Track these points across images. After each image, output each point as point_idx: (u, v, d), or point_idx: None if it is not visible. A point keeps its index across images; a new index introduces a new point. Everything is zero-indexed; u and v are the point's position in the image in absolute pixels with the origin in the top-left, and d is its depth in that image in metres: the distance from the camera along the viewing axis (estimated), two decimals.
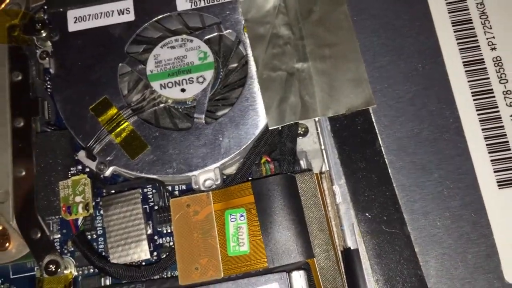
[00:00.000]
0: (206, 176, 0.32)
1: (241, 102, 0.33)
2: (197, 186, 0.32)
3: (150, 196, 0.33)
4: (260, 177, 0.32)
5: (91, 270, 0.31)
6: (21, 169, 0.32)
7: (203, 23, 0.36)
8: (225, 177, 0.33)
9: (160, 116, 0.34)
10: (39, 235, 0.31)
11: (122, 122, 0.33)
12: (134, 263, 0.31)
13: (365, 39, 0.34)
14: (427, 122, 0.32)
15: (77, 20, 0.36)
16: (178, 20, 0.36)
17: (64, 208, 0.32)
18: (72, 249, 0.32)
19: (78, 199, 0.32)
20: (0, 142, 0.33)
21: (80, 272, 0.31)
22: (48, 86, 0.36)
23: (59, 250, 0.31)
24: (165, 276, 0.31)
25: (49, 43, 0.36)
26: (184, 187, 0.33)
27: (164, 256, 0.31)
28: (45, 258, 0.31)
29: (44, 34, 0.35)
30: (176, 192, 0.33)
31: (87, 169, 0.33)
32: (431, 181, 0.31)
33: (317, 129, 0.33)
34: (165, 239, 0.32)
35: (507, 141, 0.31)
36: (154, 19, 0.36)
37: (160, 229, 0.32)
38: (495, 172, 0.31)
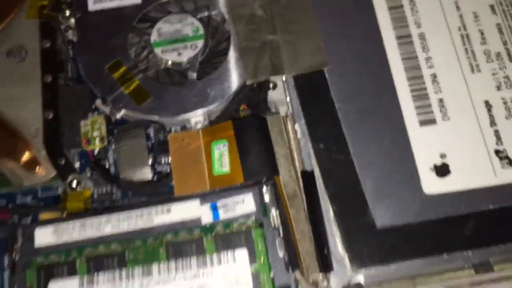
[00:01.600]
0: (197, 119, 0.42)
1: (225, 65, 0.43)
2: (189, 126, 0.42)
3: (152, 136, 0.42)
4: (238, 118, 0.42)
5: (104, 190, 0.40)
6: (49, 113, 0.41)
7: (196, 5, 0.46)
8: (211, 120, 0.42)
9: (161, 75, 0.44)
10: (64, 161, 0.40)
11: (131, 78, 0.43)
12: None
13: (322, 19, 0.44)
14: (369, 78, 0.42)
15: (96, 2, 0.46)
16: (175, 4, 0.47)
17: (84, 141, 0.41)
18: (89, 174, 0.41)
19: (95, 134, 0.41)
20: (34, 93, 0.42)
21: (95, 190, 0.40)
22: (71, 52, 0.45)
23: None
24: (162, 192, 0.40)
25: (71, 20, 0.46)
26: (179, 128, 0.43)
27: (163, 177, 0.40)
28: (69, 177, 0.40)
29: (68, 13, 0.45)
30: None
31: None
32: (370, 122, 0.41)
33: (283, 84, 0.43)
34: (163, 167, 0.41)
35: (427, 93, 0.41)
36: (156, 3, 0.46)
37: (159, 160, 0.41)
38: (417, 115, 0.41)
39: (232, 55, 0.44)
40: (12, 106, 0.41)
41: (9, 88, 0.42)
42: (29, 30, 0.44)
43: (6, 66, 0.43)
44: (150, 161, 0.40)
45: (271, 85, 0.43)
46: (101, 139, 0.41)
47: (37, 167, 0.40)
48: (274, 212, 0.38)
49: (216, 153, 0.40)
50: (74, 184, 0.39)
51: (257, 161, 0.39)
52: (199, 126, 0.41)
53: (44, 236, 0.38)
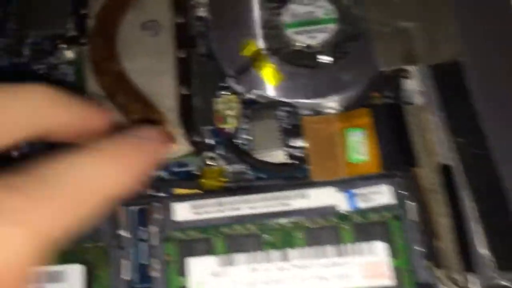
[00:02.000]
0: (330, 104, 0.41)
1: (358, 50, 0.43)
2: (322, 111, 0.41)
3: (282, 117, 0.42)
4: (378, 104, 0.41)
5: (237, 168, 0.41)
6: (183, 89, 0.42)
7: None
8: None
9: (292, 57, 0.44)
10: (199, 137, 0.40)
11: (263, 58, 0.43)
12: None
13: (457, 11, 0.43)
14: (508, 69, 0.41)
15: None
16: None
17: (218, 118, 0.41)
18: (222, 152, 0.41)
19: (229, 112, 0.41)
20: (168, 67, 0.42)
21: (229, 168, 0.41)
22: (202, 28, 0.45)
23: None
24: (297, 176, 0.40)
25: None
26: (309, 112, 0.42)
27: (299, 161, 0.40)
28: (204, 154, 0.40)
29: None
30: None
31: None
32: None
33: (418, 73, 0.42)
34: (294, 150, 0.41)
35: None
36: None
37: (291, 142, 0.41)
38: None
39: (363, 41, 0.43)
40: (147, 79, 0.42)
41: (144, 60, 0.42)
42: (162, 4, 0.44)
43: (141, 39, 0.43)
44: (283, 143, 0.41)
45: (405, 73, 0.42)
46: (235, 118, 0.41)
47: (172, 142, 0.40)
48: (412, 205, 0.38)
49: (352, 140, 0.39)
50: (209, 161, 0.40)
51: (395, 151, 0.39)
52: (331, 111, 0.41)
53: (182, 211, 0.38)
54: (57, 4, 0.47)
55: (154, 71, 0.42)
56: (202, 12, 0.45)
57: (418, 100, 0.41)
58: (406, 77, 0.42)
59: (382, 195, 0.38)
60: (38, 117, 0.26)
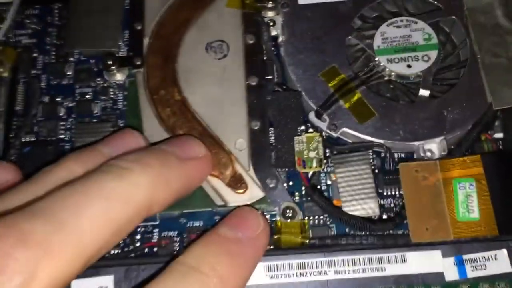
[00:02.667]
0: (430, 146, 0.35)
1: (462, 83, 0.37)
2: (420, 155, 0.35)
3: (371, 160, 0.36)
4: (490, 151, 0.35)
5: (317, 221, 0.35)
6: (256, 123, 0.36)
7: (420, 8, 0.40)
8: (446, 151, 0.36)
9: (383, 89, 0.38)
10: (274, 183, 0.35)
11: (351, 90, 0.37)
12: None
13: None
14: None
15: None
16: (395, 3, 0.40)
17: (299, 162, 0.35)
18: (297, 199, 0.35)
19: (312, 154, 0.35)
20: (237, 97, 0.37)
21: (309, 221, 0.35)
22: (274, 51, 0.40)
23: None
24: (393, 234, 0.34)
25: (272, 13, 0.40)
26: (403, 155, 0.37)
27: (394, 215, 0.34)
28: (283, 204, 0.34)
29: (271, 5, 0.40)
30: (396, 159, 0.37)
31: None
32: None
33: None
34: (387, 200, 0.35)
35: None
36: (377, 1, 0.40)
37: (381, 191, 0.35)
38: None
39: (470, 71, 0.37)
40: (213, 111, 0.36)
41: (209, 88, 0.37)
42: (230, 21, 0.39)
43: (205, 63, 0.38)
44: (376, 193, 0.35)
45: None
46: (319, 161, 0.35)
47: (243, 187, 0.35)
48: None
49: (460, 193, 0.33)
50: (288, 213, 0.34)
51: None
52: (430, 155, 0.35)
53: (255, 273, 0.33)
54: (108, 17, 0.41)
55: (221, 102, 0.37)
56: (275, 31, 0.39)
57: None
58: None
59: (498, 262, 0.32)
60: None
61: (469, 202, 0.33)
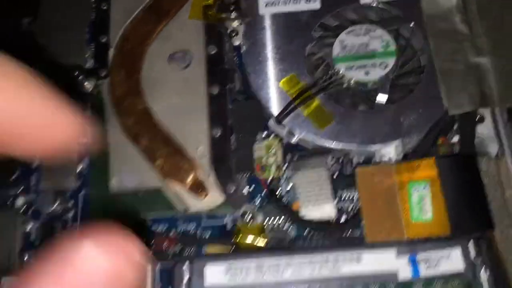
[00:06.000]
0: (387, 151, 0.39)
1: (420, 89, 0.41)
2: (377, 159, 0.39)
3: (331, 165, 0.40)
4: (444, 155, 0.39)
5: (276, 224, 0.39)
6: (217, 131, 0.40)
7: (381, 15, 0.44)
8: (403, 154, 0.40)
9: (342, 96, 0.42)
10: (234, 188, 0.39)
11: (309, 97, 0.41)
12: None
13: None
14: None
15: (268, 5, 0.44)
16: (356, 12, 0.45)
17: (258, 167, 0.39)
18: (257, 204, 0.39)
19: (271, 160, 0.39)
20: (199, 105, 0.41)
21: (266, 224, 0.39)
22: (236, 60, 0.44)
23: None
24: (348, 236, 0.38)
25: (235, 23, 0.44)
26: (362, 159, 0.41)
27: (350, 217, 0.38)
28: (242, 208, 0.38)
29: (233, 16, 0.44)
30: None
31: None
32: None
33: (492, 117, 0.40)
34: (344, 204, 0.39)
35: None
36: (338, 9, 0.44)
37: (340, 195, 0.39)
38: None
39: (426, 77, 0.41)
40: (175, 119, 0.40)
41: (172, 97, 0.41)
42: (192, 33, 0.43)
43: (169, 73, 0.42)
44: (333, 196, 0.39)
45: (477, 118, 0.40)
46: (277, 167, 0.39)
47: (204, 192, 0.39)
48: (486, 274, 0.35)
49: (415, 195, 0.37)
50: (247, 217, 0.38)
51: (467, 209, 0.36)
52: (387, 159, 0.39)
53: (215, 275, 0.36)
54: (73, 31, 0.46)
55: (183, 110, 0.41)
56: (237, 41, 0.44)
57: (493, 149, 0.39)
58: (479, 122, 0.40)
59: (450, 261, 0.36)
60: None
61: (423, 204, 0.37)
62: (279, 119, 0.40)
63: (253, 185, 0.40)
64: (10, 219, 0.42)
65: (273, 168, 0.39)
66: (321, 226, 0.37)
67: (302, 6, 0.44)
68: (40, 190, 0.43)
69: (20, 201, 0.43)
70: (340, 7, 0.44)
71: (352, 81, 0.42)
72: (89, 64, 0.45)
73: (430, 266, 0.36)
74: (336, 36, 0.43)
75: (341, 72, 0.41)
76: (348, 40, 0.42)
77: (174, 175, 0.38)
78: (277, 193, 0.39)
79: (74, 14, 0.47)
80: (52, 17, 0.46)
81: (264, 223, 0.38)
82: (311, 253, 0.36)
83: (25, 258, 0.41)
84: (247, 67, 0.42)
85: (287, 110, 0.40)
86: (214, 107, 0.41)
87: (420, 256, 0.36)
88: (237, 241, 0.37)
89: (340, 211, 0.39)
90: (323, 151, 0.39)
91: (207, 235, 0.39)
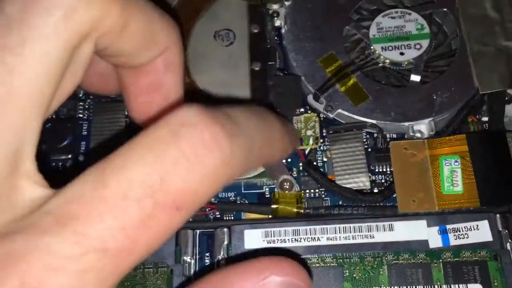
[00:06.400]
0: (420, 127, 0.42)
1: (453, 70, 0.43)
2: (410, 134, 0.42)
3: (365, 140, 0.43)
4: (474, 131, 0.41)
5: (312, 193, 0.41)
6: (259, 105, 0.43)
7: (414, 1, 0.46)
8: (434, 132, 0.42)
9: (378, 74, 0.44)
10: None
11: (346, 75, 0.43)
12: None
13: None
14: None
15: None
16: None
17: None
18: (295, 174, 0.42)
19: (309, 133, 0.42)
20: (242, 81, 0.44)
21: (305, 193, 0.41)
22: (277, 40, 0.46)
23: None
24: (382, 205, 0.40)
25: (274, 6, 0.47)
26: (394, 135, 0.43)
27: (384, 188, 0.40)
28: (280, 177, 0.41)
29: None
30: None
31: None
32: None
33: None
34: (378, 176, 0.41)
35: None
36: None
37: (373, 168, 0.42)
38: None
39: (459, 59, 0.43)
40: (219, 92, 0.43)
41: (216, 72, 0.44)
42: (236, 12, 0.46)
43: (213, 49, 0.45)
44: (367, 169, 0.41)
45: (507, 97, 0.42)
46: (315, 139, 0.41)
47: None
48: None
49: (446, 169, 0.39)
50: (286, 185, 0.40)
51: (496, 183, 0.39)
52: (419, 135, 0.41)
53: (253, 239, 0.39)
54: None
55: (227, 84, 0.44)
56: (279, 22, 0.46)
57: None
58: (508, 102, 0.42)
59: (479, 232, 0.38)
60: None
61: (453, 177, 0.39)
62: (318, 94, 0.42)
63: (292, 157, 0.42)
64: None
65: (311, 140, 0.41)
66: (356, 195, 0.40)
67: None
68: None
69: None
70: None
71: (387, 61, 0.44)
72: None
73: (459, 236, 0.38)
74: (372, 19, 0.45)
75: (377, 52, 0.44)
76: (384, 22, 0.45)
77: None
78: (314, 164, 0.41)
79: None
80: None
81: (301, 192, 0.41)
82: (346, 222, 0.39)
83: None
84: (288, 45, 0.45)
85: (326, 86, 0.43)
86: (256, 82, 0.44)
87: (450, 226, 0.38)
88: (275, 208, 0.40)
89: (373, 184, 0.41)
90: (358, 126, 0.42)
91: (246, 203, 0.42)
